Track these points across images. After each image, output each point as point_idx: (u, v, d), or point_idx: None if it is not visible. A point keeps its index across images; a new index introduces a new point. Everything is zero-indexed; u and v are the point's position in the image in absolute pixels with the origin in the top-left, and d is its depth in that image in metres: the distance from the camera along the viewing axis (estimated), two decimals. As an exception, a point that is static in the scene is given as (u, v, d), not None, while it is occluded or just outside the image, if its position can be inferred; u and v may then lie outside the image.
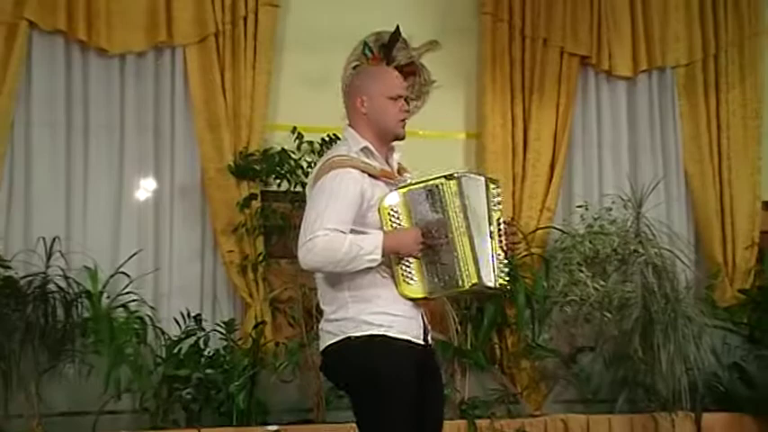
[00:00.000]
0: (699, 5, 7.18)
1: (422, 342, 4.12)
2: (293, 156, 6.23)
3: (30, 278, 5.79)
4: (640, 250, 6.17)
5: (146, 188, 6.40)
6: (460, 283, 3.99)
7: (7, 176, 6.08)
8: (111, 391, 5.65)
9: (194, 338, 5.93)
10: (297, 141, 6.31)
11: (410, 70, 6.72)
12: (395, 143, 4.31)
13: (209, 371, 5.81)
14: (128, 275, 6.01)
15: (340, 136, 5.93)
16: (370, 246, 3.94)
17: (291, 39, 6.62)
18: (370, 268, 3.99)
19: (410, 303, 4.05)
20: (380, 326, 4.01)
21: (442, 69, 6.85)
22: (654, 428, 6.15)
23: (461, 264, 3.99)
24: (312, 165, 6.01)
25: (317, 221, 3.95)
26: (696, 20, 7.17)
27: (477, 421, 5.93)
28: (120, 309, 5.85)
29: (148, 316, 5.95)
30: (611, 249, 6.22)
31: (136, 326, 5.82)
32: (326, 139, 6.21)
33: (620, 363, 6.25)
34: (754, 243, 7.06)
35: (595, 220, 6.44)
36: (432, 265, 4.02)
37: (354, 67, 6.64)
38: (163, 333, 5.97)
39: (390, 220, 4.03)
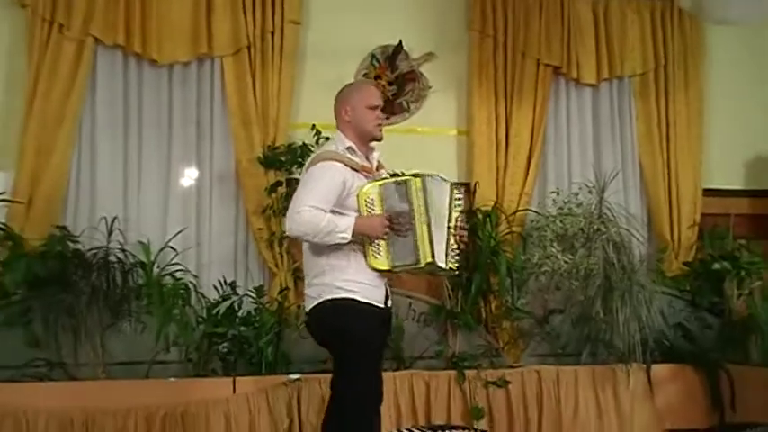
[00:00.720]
0: (651, 25, 7.19)
1: (383, 305, 4.43)
2: (312, 149, 6.15)
3: (94, 251, 5.82)
4: (602, 229, 6.19)
5: (189, 176, 6.45)
6: (418, 260, 4.30)
7: (75, 166, 6.16)
8: (161, 345, 5.72)
9: (230, 302, 5.96)
10: (315, 137, 6.31)
11: (411, 77, 6.81)
12: (374, 144, 4.61)
13: (242, 328, 5.86)
14: (174, 249, 6.06)
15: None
16: (344, 226, 4.22)
17: (311, 50, 6.64)
18: (347, 243, 4.26)
19: (376, 274, 4.36)
20: (350, 291, 4.32)
21: (437, 76, 6.89)
22: (612, 378, 6.17)
23: (420, 245, 4.29)
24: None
25: (304, 199, 4.26)
26: (649, 37, 7.19)
27: (466, 371, 5.95)
28: (168, 277, 5.89)
29: (192, 283, 5.98)
30: (578, 228, 6.22)
31: (181, 291, 5.85)
32: (340, 135, 6.28)
33: (584, 323, 6.26)
34: (696, 223, 7.10)
35: (565, 203, 6.45)
36: (396, 245, 4.31)
37: (365, 74, 6.71)
38: (203, 297, 6.01)
39: (366, 206, 4.33)
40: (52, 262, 5.70)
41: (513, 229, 6.64)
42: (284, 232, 6.06)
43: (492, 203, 6.63)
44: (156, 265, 5.92)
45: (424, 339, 6.29)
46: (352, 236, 4.24)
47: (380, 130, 4.57)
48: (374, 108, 4.54)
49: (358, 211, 4.32)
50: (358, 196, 4.34)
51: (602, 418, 6.16)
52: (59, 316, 5.65)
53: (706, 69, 7.36)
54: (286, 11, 6.44)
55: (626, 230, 6.32)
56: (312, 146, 6.25)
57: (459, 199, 4.56)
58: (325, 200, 4.26)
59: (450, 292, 6.33)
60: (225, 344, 5.86)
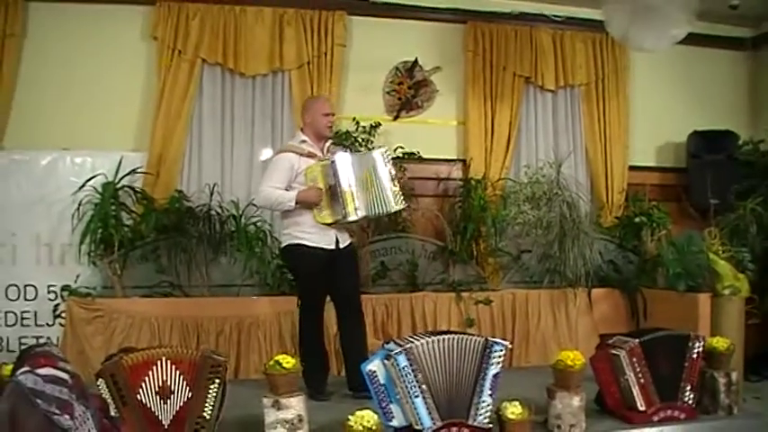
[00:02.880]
0: (592, 49, 7.10)
1: (332, 247, 4.68)
2: (353, 135, 6.27)
3: (200, 207, 5.90)
4: (559, 193, 6.16)
5: (266, 155, 6.38)
6: (346, 216, 4.56)
7: (188, 149, 6.22)
8: (246, 273, 5.78)
9: (294, 243, 6.03)
10: (355, 126, 6.34)
11: (423, 84, 6.75)
12: (328, 138, 4.89)
13: (303, 262, 5.90)
14: (256, 206, 5.96)
15: (383, 123, 6.29)
16: (288, 197, 4.59)
17: (352, 64, 6.60)
18: (301, 207, 4.59)
19: (323, 226, 4.63)
20: (301, 238, 4.66)
21: (442, 83, 6.84)
22: (564, 298, 6.21)
23: (346, 207, 4.50)
24: (364, 141, 6.26)
25: (262, 182, 4.73)
26: (591, 58, 7.11)
27: (462, 293, 6.00)
28: (252, 225, 5.90)
29: (268, 230, 6.00)
30: (542, 192, 6.19)
31: (260, 236, 5.88)
32: (373, 124, 6.30)
33: (546, 259, 6.27)
34: (624, 190, 7.07)
35: (533, 174, 6.39)
36: (333, 206, 4.54)
37: (391, 81, 6.71)
38: (276, 240, 5.92)
39: (310, 180, 4.62)
40: (173, 215, 5.79)
41: (497, 192, 6.62)
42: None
43: (481, 174, 6.62)
44: (242, 217, 5.92)
45: (432, 270, 6.31)
46: (297, 203, 4.56)
47: (330, 131, 4.87)
48: (327, 115, 4.79)
49: (305, 185, 4.60)
50: (305, 174, 4.62)
51: (556, 326, 6.19)
52: (177, 252, 5.76)
53: (630, 82, 7.29)
54: (335, 37, 6.43)
55: (575, 194, 6.28)
56: (353, 132, 6.29)
57: (388, 155, 4.71)
58: (276, 180, 4.62)
59: (451, 237, 6.31)
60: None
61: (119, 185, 5.75)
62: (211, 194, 5.97)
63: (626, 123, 7.21)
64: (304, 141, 4.75)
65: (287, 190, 4.63)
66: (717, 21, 7.28)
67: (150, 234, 5.72)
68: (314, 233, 4.63)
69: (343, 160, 4.59)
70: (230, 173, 6.32)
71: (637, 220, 6.63)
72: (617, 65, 7.19)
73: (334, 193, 4.56)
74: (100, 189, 5.68)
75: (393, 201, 4.63)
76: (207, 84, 6.27)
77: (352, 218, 4.57)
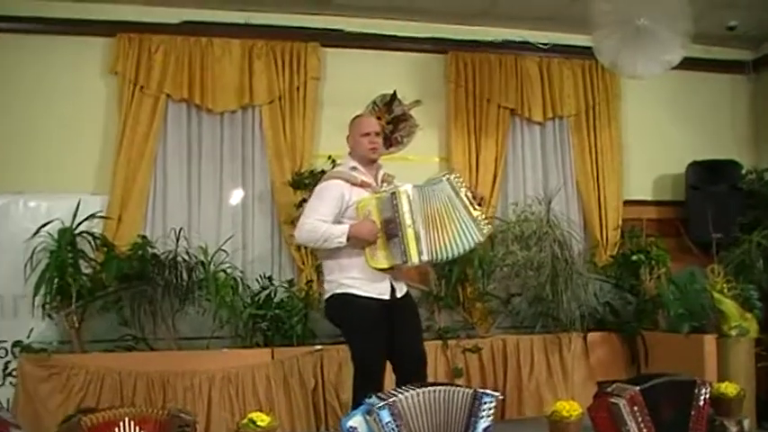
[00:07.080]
0: (581, 78, 7.17)
1: (387, 297, 4.24)
2: None
3: (166, 253, 5.80)
4: (549, 231, 6.16)
5: (236, 196, 6.43)
6: (406, 261, 4.13)
7: (152, 191, 6.19)
8: (217, 324, 5.71)
9: (268, 291, 5.96)
10: (331, 164, 6.13)
11: (403, 118, 6.79)
12: (381, 164, 4.52)
13: (277, 311, 5.83)
14: (226, 251, 6.03)
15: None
16: (339, 232, 4.12)
17: (327, 99, 6.62)
18: (351, 246, 4.15)
19: (375, 271, 4.19)
20: (350, 286, 4.20)
21: (423, 117, 6.86)
22: (558, 344, 6.18)
23: (407, 248, 4.09)
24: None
25: (307, 213, 4.25)
26: (580, 86, 7.17)
27: (449, 341, 5.97)
28: (222, 272, 5.82)
29: (239, 277, 5.95)
30: (532, 231, 6.18)
31: (231, 283, 5.78)
32: (351, 164, 6.30)
33: (537, 302, 6.27)
34: (618, 226, 7.07)
35: (522, 212, 6.41)
36: (390, 248, 4.13)
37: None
38: (248, 287, 5.99)
39: (363, 216, 4.19)
40: (136, 262, 5.70)
41: (483, 232, 6.59)
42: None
43: (467, 213, 6.59)
44: (212, 263, 5.84)
45: (416, 317, 6.30)
46: (348, 240, 4.13)
47: (374, 152, 4.42)
48: (366, 135, 4.41)
49: (356, 219, 4.21)
50: (357, 207, 4.23)
51: (551, 374, 6.15)
52: (142, 303, 5.70)
53: (623, 111, 7.34)
54: (308, 70, 6.46)
55: (567, 232, 6.28)
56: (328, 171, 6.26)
57: (460, 180, 4.23)
58: (324, 213, 4.19)
59: (436, 281, 6.28)
60: (265, 322, 5.83)
61: (77, 231, 5.69)
62: (177, 239, 5.91)
63: (619, 155, 7.25)
64: (355, 168, 4.37)
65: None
66: (714, 43, 7.37)
67: (111, 283, 5.63)
68: (363, 279, 4.21)
69: (406, 193, 4.15)
70: (198, 216, 6.29)
71: (634, 257, 6.62)
72: (608, 93, 7.25)
73: (391, 233, 4.12)
74: (56, 235, 5.61)
75: (477, 229, 4.15)
76: (172, 121, 6.27)
77: (413, 262, 4.14)
